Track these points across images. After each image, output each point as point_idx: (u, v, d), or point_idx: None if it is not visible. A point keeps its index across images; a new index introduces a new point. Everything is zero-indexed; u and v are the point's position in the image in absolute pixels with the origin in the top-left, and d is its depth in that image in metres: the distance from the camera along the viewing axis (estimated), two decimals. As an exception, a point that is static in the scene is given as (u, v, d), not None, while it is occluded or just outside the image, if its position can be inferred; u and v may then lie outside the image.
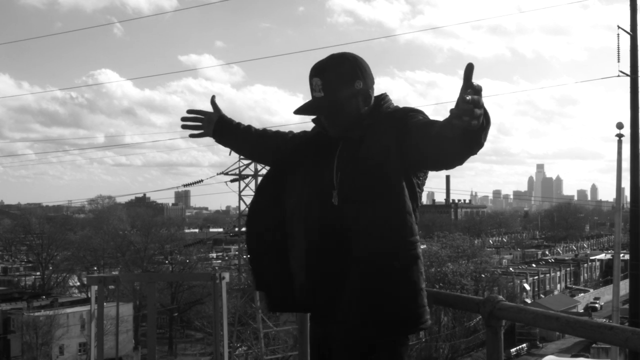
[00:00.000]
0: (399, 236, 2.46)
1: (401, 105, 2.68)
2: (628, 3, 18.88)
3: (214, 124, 3.01)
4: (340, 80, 2.58)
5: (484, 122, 2.07)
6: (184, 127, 3.08)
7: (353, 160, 2.56)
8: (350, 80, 2.59)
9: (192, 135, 3.11)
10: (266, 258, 2.81)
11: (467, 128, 2.01)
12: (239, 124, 3.04)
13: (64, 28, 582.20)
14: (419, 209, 2.62)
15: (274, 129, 3.15)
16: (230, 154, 3.30)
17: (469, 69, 1.96)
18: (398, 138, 2.46)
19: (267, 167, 3.10)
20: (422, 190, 2.65)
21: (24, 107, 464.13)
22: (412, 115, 2.51)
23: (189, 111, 3.07)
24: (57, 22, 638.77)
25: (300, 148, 2.84)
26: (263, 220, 2.83)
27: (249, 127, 3.06)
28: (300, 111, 2.65)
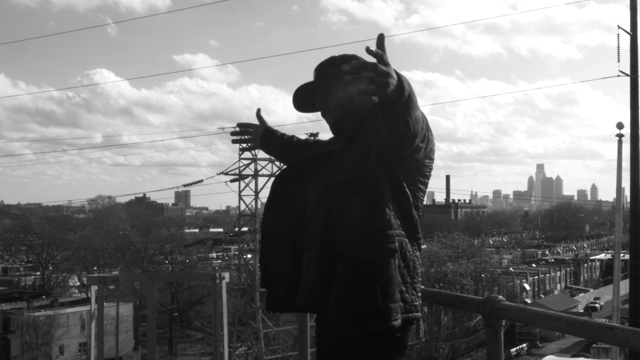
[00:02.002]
0: (373, 229, 2.43)
1: None
2: (623, 2, 18.93)
3: (260, 136, 3.23)
4: (328, 63, 2.72)
5: (400, 90, 2.10)
6: (234, 141, 3.42)
7: (344, 156, 2.60)
8: (338, 64, 2.65)
9: (243, 149, 3.33)
10: (275, 253, 2.78)
11: (378, 89, 2.02)
12: (283, 134, 3.26)
13: (57, 27, 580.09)
14: (413, 205, 2.56)
15: (312, 139, 3.33)
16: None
17: (380, 39, 2.03)
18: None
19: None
20: (417, 187, 2.57)
21: (21, 106, 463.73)
22: None
23: (239, 124, 3.34)
24: (50, 21, 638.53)
25: (312, 152, 2.93)
26: (278, 214, 2.80)
27: (292, 137, 3.25)
28: (296, 95, 2.84)
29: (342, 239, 2.46)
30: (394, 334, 2.47)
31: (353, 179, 2.49)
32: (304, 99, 2.86)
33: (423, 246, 2.64)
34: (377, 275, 2.40)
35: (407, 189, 2.53)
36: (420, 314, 2.56)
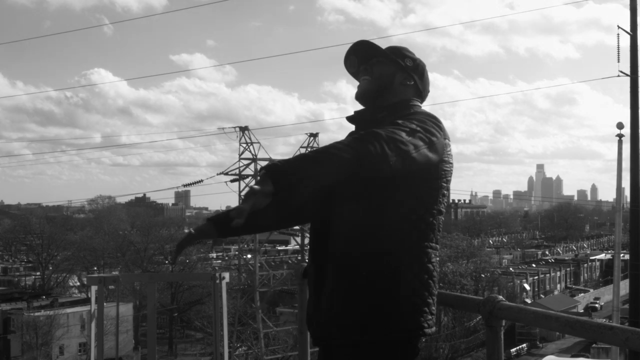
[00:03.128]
0: (410, 236, 2.38)
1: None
2: (622, 1, 18.93)
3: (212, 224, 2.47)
4: (393, 48, 2.67)
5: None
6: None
7: None
8: (402, 55, 2.64)
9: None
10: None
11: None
12: None
13: (53, 26, 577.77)
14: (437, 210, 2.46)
15: None
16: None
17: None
18: None
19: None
20: (440, 191, 2.45)
21: (19, 106, 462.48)
22: (389, 122, 2.35)
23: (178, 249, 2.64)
24: (46, 21, 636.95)
25: None
26: None
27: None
28: (356, 45, 2.61)
29: (337, 245, 2.40)
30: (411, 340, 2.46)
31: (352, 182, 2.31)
32: (360, 52, 2.65)
33: None
34: (410, 281, 2.38)
35: (429, 193, 2.44)
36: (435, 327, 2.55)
